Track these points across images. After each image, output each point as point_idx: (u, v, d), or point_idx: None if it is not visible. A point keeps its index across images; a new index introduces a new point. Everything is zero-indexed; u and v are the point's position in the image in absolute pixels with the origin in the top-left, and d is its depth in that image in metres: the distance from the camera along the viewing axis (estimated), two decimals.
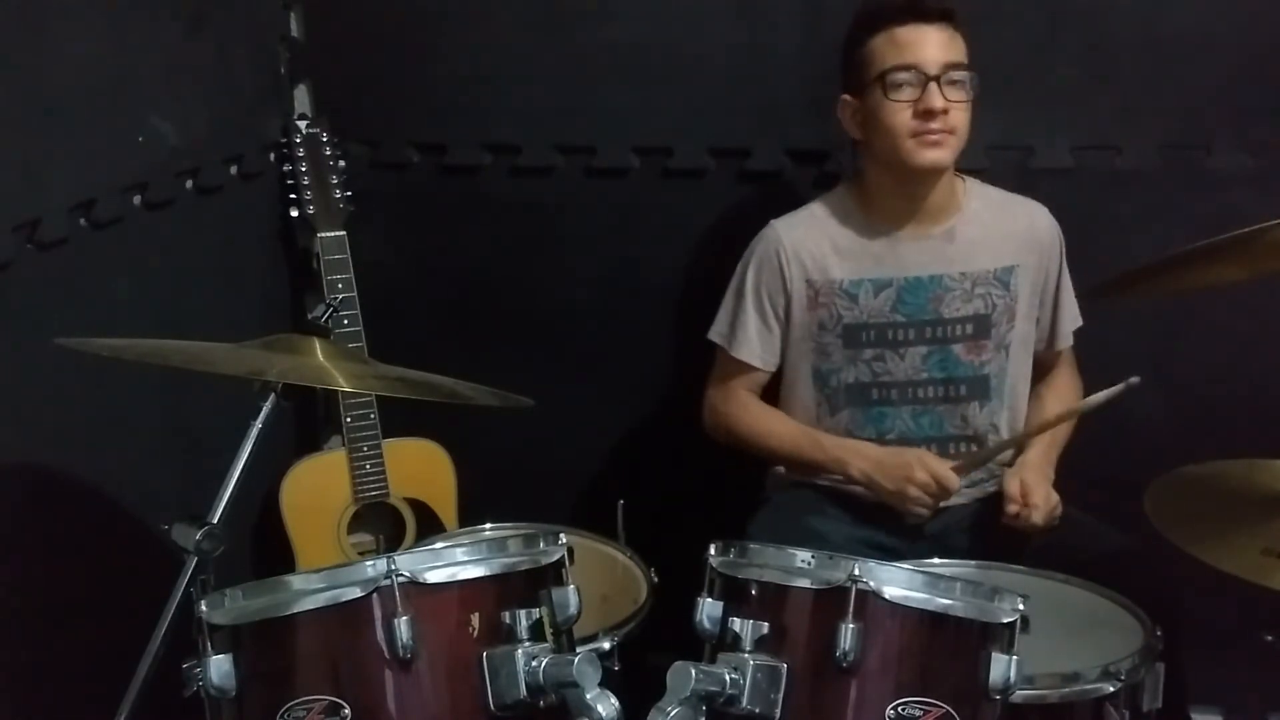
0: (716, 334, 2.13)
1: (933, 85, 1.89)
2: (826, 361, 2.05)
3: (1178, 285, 1.63)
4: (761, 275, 2.06)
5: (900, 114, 1.91)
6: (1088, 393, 2.14)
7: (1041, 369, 2.15)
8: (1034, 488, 1.91)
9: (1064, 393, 2.14)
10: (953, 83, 1.90)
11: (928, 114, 1.90)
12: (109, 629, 1.73)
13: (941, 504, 1.97)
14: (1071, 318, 2.12)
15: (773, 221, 2.08)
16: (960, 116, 1.92)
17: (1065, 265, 2.09)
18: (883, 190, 2.02)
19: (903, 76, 1.90)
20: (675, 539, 1.66)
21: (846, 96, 2.00)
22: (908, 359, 2.02)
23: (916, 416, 2.05)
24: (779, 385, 2.15)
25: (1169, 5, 2.19)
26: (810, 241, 2.04)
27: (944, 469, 1.93)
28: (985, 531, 1.99)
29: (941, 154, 1.93)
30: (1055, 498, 1.92)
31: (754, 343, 2.08)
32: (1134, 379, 1.77)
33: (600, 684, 1.36)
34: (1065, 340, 2.13)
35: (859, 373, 2.04)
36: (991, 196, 2.06)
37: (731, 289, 2.11)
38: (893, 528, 2.01)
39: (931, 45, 1.91)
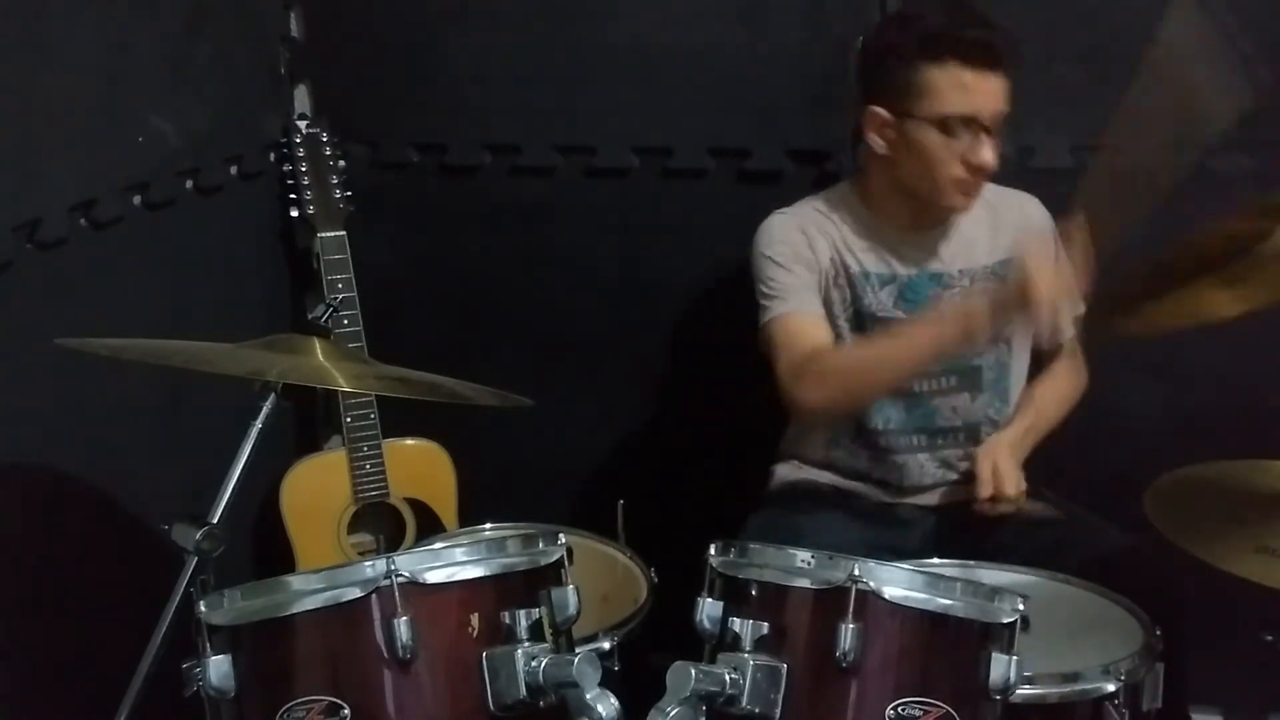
0: (776, 312, 1.96)
1: (985, 139, 1.85)
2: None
3: (1172, 317, 1.60)
4: (789, 243, 1.98)
5: (952, 162, 1.86)
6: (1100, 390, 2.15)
7: (1044, 360, 2.15)
8: (1006, 475, 1.90)
9: (1059, 377, 2.13)
10: (997, 134, 1.87)
11: (978, 169, 1.87)
12: (109, 629, 1.73)
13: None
14: (1071, 306, 2.11)
15: (775, 212, 2.03)
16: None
17: (1062, 255, 2.08)
18: (889, 198, 1.99)
19: (965, 125, 1.84)
20: (675, 539, 1.66)
21: (879, 109, 1.90)
22: None
23: (909, 408, 2.04)
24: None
25: (1169, 5, 2.19)
26: (826, 225, 2.01)
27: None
28: (986, 533, 2.00)
29: (972, 201, 1.93)
30: (1023, 484, 1.91)
31: (812, 293, 1.98)
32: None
33: (600, 684, 1.36)
34: (1066, 330, 2.12)
35: None
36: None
37: (764, 272, 1.99)
38: (893, 530, 2.01)
39: (995, 97, 1.85)
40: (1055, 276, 1.71)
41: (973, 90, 1.83)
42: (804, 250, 2.00)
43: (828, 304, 2.02)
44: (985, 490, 1.91)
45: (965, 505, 2.04)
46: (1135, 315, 1.63)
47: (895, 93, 1.88)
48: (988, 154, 1.86)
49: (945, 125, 1.85)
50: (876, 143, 1.93)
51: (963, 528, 2.03)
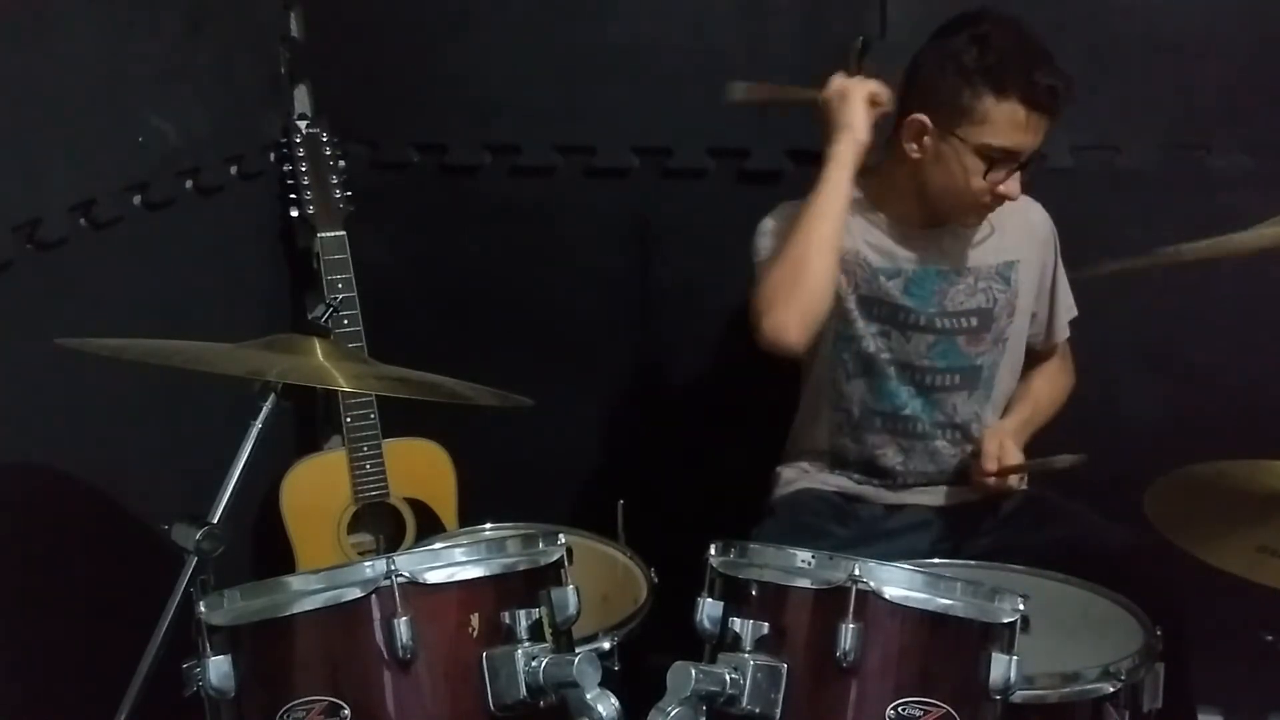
0: (759, 274, 1.97)
1: (1017, 173, 1.88)
2: (847, 328, 2.04)
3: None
4: (791, 220, 1.97)
5: (982, 187, 1.89)
6: (1086, 391, 2.17)
7: (1036, 359, 2.16)
8: (1009, 452, 1.97)
9: (1054, 376, 2.17)
10: (1029, 164, 1.90)
11: (1001, 197, 1.90)
12: (109, 629, 1.73)
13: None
14: (1066, 310, 2.14)
15: (783, 202, 2.04)
16: None
17: (1060, 260, 2.10)
18: (904, 198, 2.00)
19: (1004, 158, 1.86)
20: (675, 539, 1.66)
21: (924, 119, 1.90)
22: (913, 343, 2.03)
23: (911, 398, 2.05)
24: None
25: (1169, 5, 2.19)
26: None
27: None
28: (987, 533, 2.00)
29: (983, 220, 1.98)
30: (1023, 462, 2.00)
31: None
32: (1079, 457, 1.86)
33: (600, 684, 1.36)
34: (1062, 333, 2.15)
35: (870, 345, 2.04)
36: None
37: (758, 243, 2.02)
38: (898, 541, 2.02)
39: (1039, 136, 1.86)
40: (849, 83, 1.93)
41: (1025, 129, 1.85)
42: None
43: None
44: (990, 464, 1.96)
45: (966, 507, 2.05)
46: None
47: (948, 108, 1.87)
48: (1014, 187, 1.89)
49: (987, 154, 1.86)
50: (911, 148, 1.94)
51: (964, 528, 2.03)
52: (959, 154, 1.88)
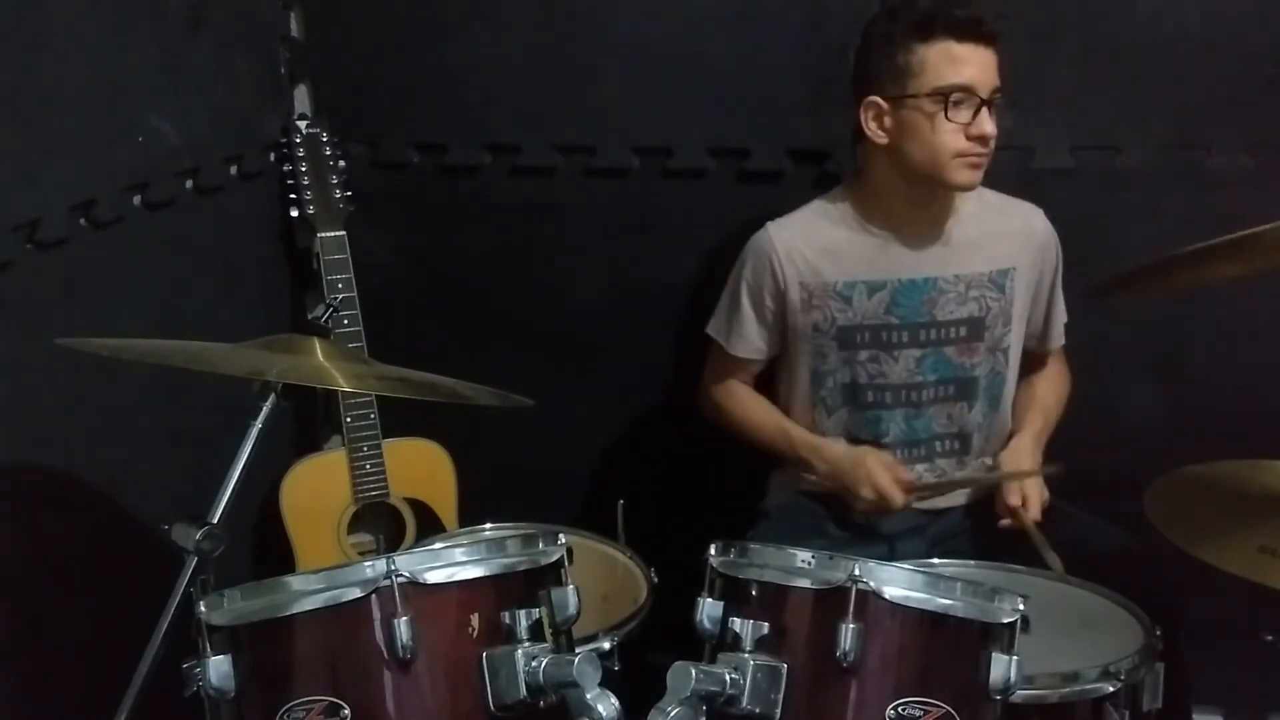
0: (714, 330, 2.15)
1: (984, 110, 1.88)
2: (823, 363, 2.06)
3: (1176, 283, 1.64)
4: (756, 277, 2.06)
5: (953, 134, 1.88)
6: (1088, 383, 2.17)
7: (1034, 363, 2.17)
8: (1031, 492, 1.94)
9: (1054, 379, 2.18)
10: (995, 107, 1.90)
11: (980, 139, 1.89)
12: (109, 629, 1.73)
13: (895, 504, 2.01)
14: (1061, 317, 2.15)
15: (768, 224, 2.07)
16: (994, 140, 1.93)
17: (1060, 268, 2.10)
18: (889, 194, 2.00)
19: (962, 97, 1.87)
20: (675, 539, 1.66)
21: (875, 99, 1.93)
22: (901, 361, 2.03)
23: (909, 419, 2.05)
24: (781, 383, 2.16)
25: (1169, 5, 2.19)
26: (803, 244, 2.03)
27: (892, 488, 1.95)
28: (985, 534, 2.00)
29: (978, 176, 1.94)
30: (1045, 492, 1.97)
31: (750, 340, 2.10)
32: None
33: (600, 684, 1.36)
34: (1058, 340, 2.16)
35: (853, 374, 2.04)
36: (987, 199, 2.06)
37: (728, 288, 2.12)
38: (898, 545, 2.02)
39: (987, 68, 1.89)
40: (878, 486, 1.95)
41: (964, 61, 1.87)
42: (770, 285, 2.05)
43: (805, 326, 2.05)
44: (1015, 499, 1.94)
45: (964, 508, 2.05)
46: (1141, 289, 1.68)
47: (890, 78, 1.91)
48: (986, 124, 1.89)
49: (942, 99, 1.87)
50: (876, 134, 1.95)
51: (962, 529, 2.03)
52: (918, 111, 1.89)
